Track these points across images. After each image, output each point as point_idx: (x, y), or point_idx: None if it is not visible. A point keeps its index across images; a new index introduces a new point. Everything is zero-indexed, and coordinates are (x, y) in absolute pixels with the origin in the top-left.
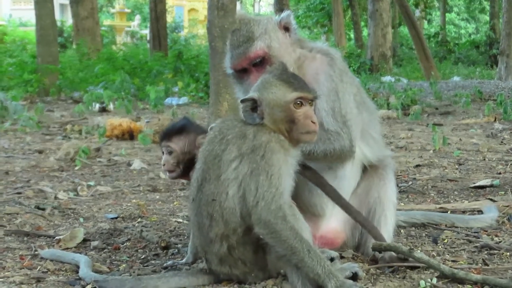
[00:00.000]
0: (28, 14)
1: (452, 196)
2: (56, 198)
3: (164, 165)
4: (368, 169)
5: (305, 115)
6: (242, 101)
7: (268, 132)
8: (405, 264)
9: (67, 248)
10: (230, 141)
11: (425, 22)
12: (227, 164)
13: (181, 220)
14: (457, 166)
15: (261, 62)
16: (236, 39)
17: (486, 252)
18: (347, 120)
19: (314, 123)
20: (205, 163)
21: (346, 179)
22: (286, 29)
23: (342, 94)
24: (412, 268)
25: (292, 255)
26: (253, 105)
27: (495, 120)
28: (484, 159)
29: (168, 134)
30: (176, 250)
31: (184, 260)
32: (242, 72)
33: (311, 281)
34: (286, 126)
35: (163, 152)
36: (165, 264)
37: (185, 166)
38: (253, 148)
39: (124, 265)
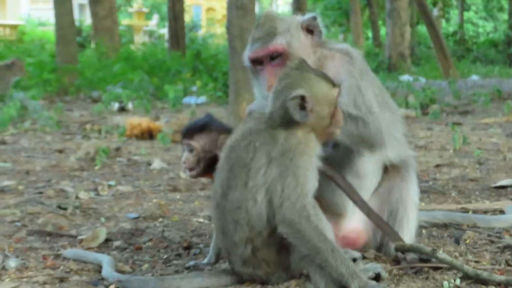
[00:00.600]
0: (46, 14)
1: (473, 196)
2: (77, 197)
3: (184, 162)
4: (389, 169)
5: (339, 109)
6: (292, 98)
7: (299, 134)
8: (428, 264)
9: (90, 248)
10: (258, 149)
11: (443, 21)
12: (256, 171)
13: (202, 220)
14: (477, 166)
15: (279, 59)
16: (258, 32)
17: (509, 252)
18: (373, 110)
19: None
20: (231, 171)
21: (368, 178)
22: (310, 31)
23: (364, 89)
24: (435, 268)
25: (315, 255)
26: (301, 102)
27: None
28: (505, 159)
29: (190, 131)
30: (198, 250)
31: (206, 260)
32: (257, 64)
33: (335, 281)
34: (328, 121)
35: (184, 149)
36: (187, 265)
37: (205, 165)
38: (283, 152)
39: (146, 265)
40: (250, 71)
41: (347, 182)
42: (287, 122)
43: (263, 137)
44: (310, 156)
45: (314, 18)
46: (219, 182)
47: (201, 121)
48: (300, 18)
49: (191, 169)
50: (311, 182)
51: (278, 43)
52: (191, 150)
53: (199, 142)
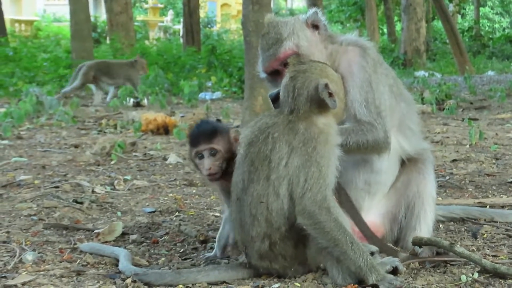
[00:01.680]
0: (62, 10)
1: (490, 191)
2: (93, 192)
3: (209, 168)
4: (407, 163)
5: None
6: (321, 88)
7: (319, 124)
8: (446, 258)
9: (106, 242)
10: (277, 139)
11: (459, 16)
12: (277, 163)
13: (218, 214)
14: (494, 161)
15: None
16: (266, 43)
17: None
18: (381, 111)
19: None
20: (252, 164)
21: (383, 173)
22: (315, 26)
23: (376, 85)
24: (453, 263)
25: (334, 247)
26: (328, 90)
27: None
28: None
29: (206, 136)
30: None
31: (212, 254)
32: (274, 75)
33: (352, 275)
34: (344, 103)
35: (202, 156)
36: (204, 258)
37: (225, 165)
38: (305, 141)
39: (163, 259)
40: (268, 81)
41: (344, 190)
42: (309, 113)
43: (281, 128)
44: (332, 146)
45: (316, 13)
46: (239, 176)
47: (209, 125)
48: (302, 16)
49: (213, 174)
50: (333, 173)
51: (287, 48)
52: (213, 154)
53: (219, 144)
